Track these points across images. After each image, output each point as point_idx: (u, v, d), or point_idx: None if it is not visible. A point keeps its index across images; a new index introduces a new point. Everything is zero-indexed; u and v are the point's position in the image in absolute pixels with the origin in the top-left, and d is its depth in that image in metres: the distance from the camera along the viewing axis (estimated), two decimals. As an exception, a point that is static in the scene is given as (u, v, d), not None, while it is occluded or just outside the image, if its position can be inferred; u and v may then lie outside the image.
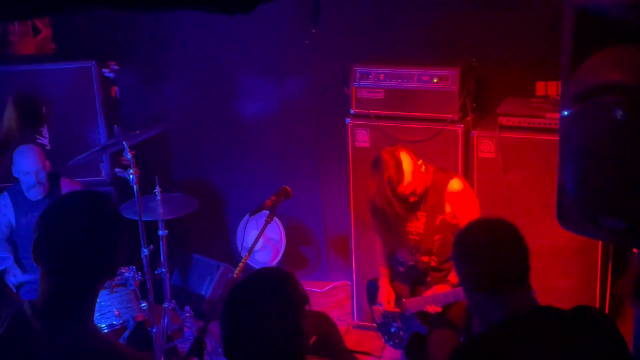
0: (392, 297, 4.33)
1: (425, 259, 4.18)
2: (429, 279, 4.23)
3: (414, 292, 4.27)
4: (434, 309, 4.06)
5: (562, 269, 4.58)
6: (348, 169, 5.13)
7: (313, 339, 2.29)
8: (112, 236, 2.16)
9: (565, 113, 2.57)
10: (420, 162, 4.05)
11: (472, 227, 2.66)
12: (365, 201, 4.36)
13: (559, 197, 2.69)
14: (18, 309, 2.13)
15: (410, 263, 4.25)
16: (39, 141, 5.42)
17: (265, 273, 2.35)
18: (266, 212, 3.68)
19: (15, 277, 4.73)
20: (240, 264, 3.49)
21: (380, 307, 4.37)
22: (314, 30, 3.85)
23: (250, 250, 3.51)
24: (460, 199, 4.10)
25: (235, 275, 3.50)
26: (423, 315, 4.19)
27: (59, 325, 2.10)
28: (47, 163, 4.83)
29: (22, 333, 2.09)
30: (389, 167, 3.92)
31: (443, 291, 4.04)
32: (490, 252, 2.47)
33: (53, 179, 4.90)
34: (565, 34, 2.53)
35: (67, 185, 4.94)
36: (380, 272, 4.42)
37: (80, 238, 2.10)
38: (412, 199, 4.04)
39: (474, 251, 2.51)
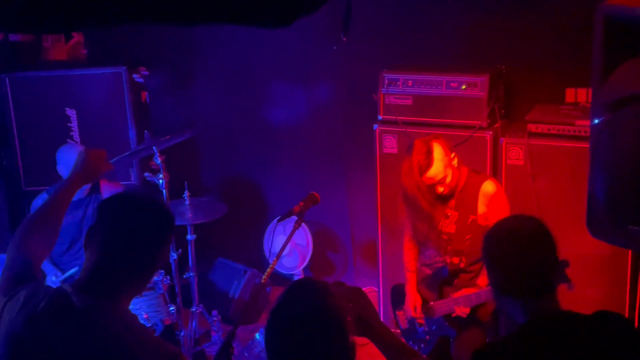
0: (419, 303, 4.32)
1: (455, 260, 4.20)
2: (456, 281, 4.23)
3: (441, 295, 4.26)
4: (462, 310, 4.05)
5: (591, 278, 4.54)
6: (375, 175, 5.13)
7: (349, 319, 2.28)
8: (161, 236, 2.31)
9: (596, 121, 2.56)
10: (453, 155, 4.08)
11: (503, 228, 2.62)
12: (393, 203, 4.39)
13: (589, 205, 2.68)
14: (59, 287, 2.27)
15: (438, 265, 4.26)
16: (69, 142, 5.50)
17: (305, 289, 2.34)
18: (294, 217, 3.69)
19: (56, 277, 4.77)
20: (268, 270, 3.50)
21: (405, 313, 4.37)
22: (344, 39, 3.84)
23: (278, 256, 3.53)
24: (493, 200, 4.12)
25: (263, 281, 3.51)
26: (450, 317, 4.18)
27: (97, 302, 2.20)
28: None
29: (62, 307, 2.20)
30: (420, 153, 3.99)
31: (472, 292, 4.04)
32: (519, 258, 2.45)
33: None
34: (596, 42, 2.52)
35: (106, 187, 5.01)
36: (407, 278, 4.42)
37: (134, 230, 2.24)
38: (440, 190, 4.06)
39: (502, 255, 2.50)
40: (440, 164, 3.99)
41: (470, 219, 4.14)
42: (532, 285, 2.42)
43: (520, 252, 2.46)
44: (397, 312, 4.49)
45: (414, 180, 4.00)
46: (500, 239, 2.55)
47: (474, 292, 4.03)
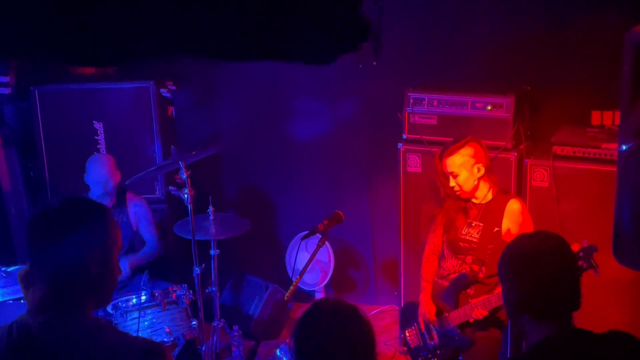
0: (433, 309, 4.34)
1: (475, 267, 4.22)
2: (472, 292, 4.23)
3: (457, 305, 4.27)
4: (480, 312, 4.06)
5: (615, 301, 4.51)
6: (399, 193, 5.14)
7: None
8: (83, 238, 2.30)
9: (624, 148, 2.56)
10: (480, 164, 4.18)
11: (523, 245, 2.60)
12: (416, 222, 4.47)
13: (615, 232, 2.67)
14: (15, 320, 2.29)
15: (454, 275, 4.27)
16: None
17: (335, 311, 2.35)
18: (318, 235, 3.71)
19: None
20: (291, 288, 3.52)
21: (421, 317, 4.38)
22: (375, 63, 3.86)
23: (302, 274, 3.55)
24: (518, 217, 4.20)
25: (285, 299, 3.53)
26: (464, 326, 4.19)
27: (55, 318, 2.23)
28: (118, 174, 4.96)
29: (23, 336, 2.22)
30: (452, 142, 4.22)
31: (492, 295, 4.06)
32: (538, 278, 2.44)
33: (120, 191, 5.03)
34: (625, 69, 2.52)
35: (132, 200, 5.07)
36: (422, 287, 4.46)
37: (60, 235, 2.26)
38: (451, 184, 4.18)
39: (521, 273, 2.49)
40: (459, 159, 4.15)
41: (495, 229, 4.20)
42: (550, 306, 2.42)
43: (539, 272, 2.45)
44: (406, 331, 4.53)
45: (437, 165, 4.27)
46: (519, 256, 2.53)
47: (496, 293, 4.08)
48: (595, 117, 4.84)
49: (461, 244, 4.26)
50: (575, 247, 3.60)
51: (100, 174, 4.87)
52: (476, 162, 4.17)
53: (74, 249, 2.27)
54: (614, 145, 4.33)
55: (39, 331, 2.21)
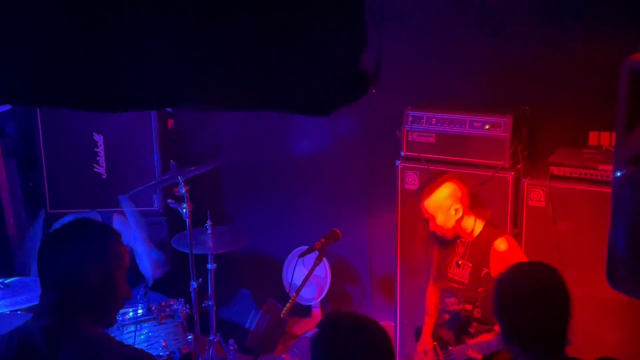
0: (430, 348, 4.34)
1: (468, 307, 4.18)
2: (472, 330, 4.21)
3: (459, 341, 4.27)
4: (475, 355, 4.04)
5: (612, 323, 4.52)
6: (396, 210, 5.16)
7: None
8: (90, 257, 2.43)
9: (618, 174, 2.58)
10: (457, 205, 4.09)
11: (516, 278, 2.62)
12: (413, 239, 4.46)
13: (609, 257, 2.69)
14: (17, 327, 2.42)
15: (454, 309, 4.26)
16: (96, 170, 5.57)
17: (358, 324, 2.36)
18: (316, 253, 3.74)
19: None
20: (288, 305, 3.54)
21: (416, 354, 4.40)
22: (374, 91, 3.87)
23: (298, 291, 3.57)
24: (503, 259, 4.00)
25: (282, 315, 3.55)
26: None
27: (55, 326, 2.35)
28: None
29: (22, 342, 2.34)
30: (426, 184, 4.14)
31: (487, 339, 4.02)
32: (532, 311, 2.46)
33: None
34: (621, 96, 2.55)
35: (118, 222, 5.05)
36: (425, 321, 4.46)
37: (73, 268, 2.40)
38: (430, 227, 4.11)
39: (515, 306, 2.51)
40: (437, 201, 4.06)
41: (483, 272, 4.12)
42: (544, 339, 2.44)
43: (533, 305, 2.46)
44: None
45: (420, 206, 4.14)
46: (513, 289, 2.56)
47: (488, 339, 4.00)
48: (593, 137, 4.87)
49: (451, 284, 4.24)
50: None
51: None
52: (453, 203, 4.07)
53: (77, 265, 2.40)
54: (611, 167, 4.35)
55: (39, 337, 2.29)
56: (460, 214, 4.09)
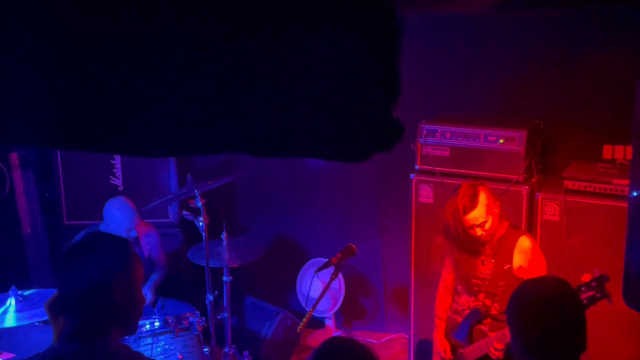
0: (448, 346, 4.36)
1: (488, 302, 4.22)
2: (486, 328, 4.24)
3: (471, 341, 4.28)
4: (496, 346, 4.05)
5: (624, 336, 4.52)
6: (410, 223, 5.18)
7: None
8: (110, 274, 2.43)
9: (635, 194, 2.60)
10: (497, 203, 4.15)
11: (533, 293, 2.65)
12: (427, 252, 4.45)
13: (625, 275, 2.71)
14: (47, 349, 2.42)
15: (468, 310, 4.29)
16: (112, 182, 5.63)
17: (349, 350, 2.39)
18: (332, 268, 3.77)
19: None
20: (304, 319, 3.57)
21: (434, 357, 4.40)
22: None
23: (314, 306, 3.59)
24: (529, 254, 4.16)
25: (298, 330, 3.57)
26: None
27: (87, 347, 2.36)
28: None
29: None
30: (466, 194, 4.08)
31: (503, 330, 4.06)
32: (549, 325, 2.48)
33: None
34: (637, 115, 2.57)
35: (144, 231, 5.10)
36: (436, 325, 4.46)
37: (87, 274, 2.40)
38: (478, 233, 4.11)
39: (531, 320, 2.53)
40: (483, 208, 4.07)
41: (506, 266, 4.19)
42: (559, 352, 2.46)
43: (544, 318, 2.49)
44: None
45: (457, 220, 4.09)
46: (529, 303, 2.58)
47: (504, 329, 4.05)
48: (607, 151, 4.88)
49: (473, 280, 4.27)
50: (586, 277, 3.65)
51: (131, 223, 4.88)
52: (495, 207, 4.15)
53: (100, 282, 2.39)
54: (625, 182, 4.37)
55: (71, 358, 2.31)
56: (499, 208, 4.18)
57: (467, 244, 4.16)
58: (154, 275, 5.12)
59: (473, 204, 4.06)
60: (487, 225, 4.12)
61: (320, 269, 3.81)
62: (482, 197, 4.09)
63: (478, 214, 4.07)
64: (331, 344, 2.44)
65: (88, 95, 1.36)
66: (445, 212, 4.20)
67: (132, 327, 2.54)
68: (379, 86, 1.22)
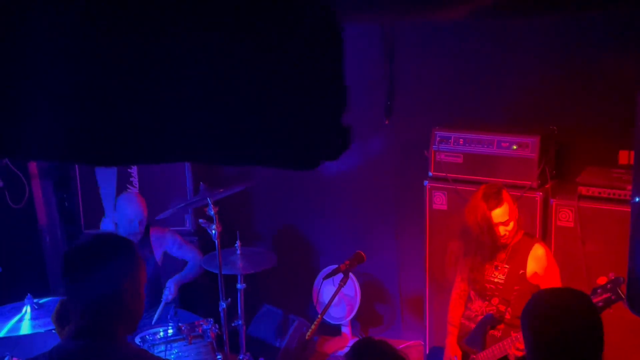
0: (459, 353, 4.35)
1: (502, 307, 4.22)
2: (499, 334, 4.23)
3: (484, 347, 4.27)
4: (517, 346, 4.03)
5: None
6: (425, 230, 5.18)
7: None
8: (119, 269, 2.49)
9: (637, 200, 2.59)
10: (515, 207, 4.20)
11: (551, 306, 2.63)
12: (442, 259, 4.45)
13: (629, 281, 2.69)
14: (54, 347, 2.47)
15: (481, 316, 4.28)
16: (130, 191, 5.68)
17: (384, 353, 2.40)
18: (341, 275, 3.79)
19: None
20: (313, 326, 3.58)
21: None
22: (387, 122, 3.97)
23: (323, 312, 3.61)
24: (543, 261, 4.20)
25: (307, 337, 3.59)
26: None
27: (93, 344, 2.41)
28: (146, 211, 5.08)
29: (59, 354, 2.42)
30: (491, 191, 4.12)
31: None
32: (568, 339, 2.46)
33: (146, 228, 5.14)
34: (638, 123, 2.56)
35: (155, 233, 5.16)
36: (449, 331, 4.47)
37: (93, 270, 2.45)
38: (502, 232, 4.13)
39: (549, 334, 2.51)
40: (507, 207, 4.12)
41: (520, 272, 4.20)
42: None
43: (565, 329, 2.47)
44: None
45: (481, 216, 4.11)
46: (544, 313, 2.56)
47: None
48: (623, 156, 4.85)
49: (487, 285, 4.27)
50: (602, 280, 3.64)
51: (139, 211, 4.96)
52: (514, 204, 4.20)
53: (108, 282, 2.45)
54: (640, 187, 4.34)
55: (80, 355, 2.34)
56: (517, 213, 4.22)
57: (488, 244, 4.17)
58: (181, 272, 5.18)
59: (499, 201, 4.10)
60: (510, 227, 4.14)
61: (328, 275, 3.83)
62: (507, 196, 4.14)
63: (504, 212, 4.11)
64: (365, 345, 2.44)
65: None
66: (467, 211, 4.22)
67: (134, 327, 2.61)
68: (325, 94, 1.24)
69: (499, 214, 4.10)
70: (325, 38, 1.14)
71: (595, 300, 3.66)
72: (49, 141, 1.44)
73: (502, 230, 4.14)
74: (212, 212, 4.56)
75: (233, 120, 1.21)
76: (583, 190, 4.61)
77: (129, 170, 5.74)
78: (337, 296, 5.59)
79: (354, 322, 6.04)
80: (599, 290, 3.66)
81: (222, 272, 4.67)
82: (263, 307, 5.99)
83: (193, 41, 1.15)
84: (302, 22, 1.12)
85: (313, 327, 3.60)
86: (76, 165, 5.75)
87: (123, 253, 2.53)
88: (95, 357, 2.41)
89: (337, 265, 4.21)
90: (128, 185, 5.69)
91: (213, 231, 4.58)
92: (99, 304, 2.44)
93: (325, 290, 5.29)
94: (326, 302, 5.60)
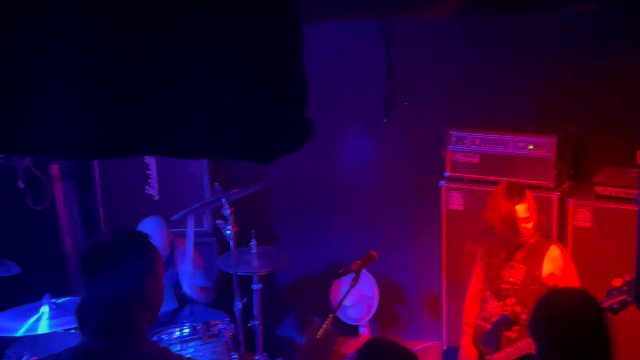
0: (475, 353, 4.34)
1: (517, 309, 4.20)
2: (514, 335, 4.21)
3: (499, 348, 4.25)
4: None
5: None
6: (441, 231, 5.17)
7: None
8: (138, 265, 2.50)
9: (643, 199, 2.57)
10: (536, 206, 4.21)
11: (554, 305, 2.63)
12: (458, 259, 4.43)
13: (637, 279, 2.67)
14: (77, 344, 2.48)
15: (497, 317, 4.26)
16: (148, 192, 5.73)
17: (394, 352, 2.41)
18: (352, 275, 3.80)
19: None
20: (324, 325, 3.60)
21: None
22: (385, 121, 3.97)
23: (334, 312, 3.61)
24: (559, 262, 4.20)
25: (318, 336, 3.60)
26: None
27: (116, 341, 2.42)
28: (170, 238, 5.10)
29: (88, 357, 2.43)
30: (514, 187, 4.15)
31: None
32: (581, 342, 2.46)
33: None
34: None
35: (178, 247, 5.17)
36: (464, 331, 4.46)
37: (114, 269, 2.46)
38: (524, 228, 4.12)
39: (550, 332, 2.51)
40: (530, 204, 4.14)
41: (536, 272, 4.20)
42: None
43: (574, 331, 2.47)
44: None
45: (506, 211, 4.12)
46: (552, 314, 2.56)
47: None
48: (641, 156, 4.80)
49: (503, 285, 4.26)
50: (618, 282, 3.62)
51: (158, 242, 4.97)
52: (535, 204, 4.20)
53: (129, 278, 2.46)
54: (657, 187, 4.30)
55: (104, 353, 2.38)
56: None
57: (512, 239, 4.15)
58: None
59: (522, 197, 4.11)
60: (530, 225, 4.14)
61: (339, 275, 3.84)
62: (529, 194, 4.17)
63: (527, 208, 4.12)
64: (374, 345, 2.45)
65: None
66: (489, 208, 4.22)
67: (155, 316, 2.61)
68: (284, 87, 1.25)
69: (522, 209, 4.12)
70: (284, 33, 1.16)
71: (610, 302, 3.64)
72: (66, 137, 1.46)
73: (523, 227, 4.15)
74: (227, 212, 4.59)
75: (193, 113, 1.22)
76: (600, 190, 4.58)
77: (147, 171, 5.79)
78: (355, 297, 5.63)
79: (372, 322, 6.04)
80: (614, 292, 3.64)
81: (238, 272, 4.70)
82: (281, 307, 6.01)
83: (151, 36, 1.18)
84: (260, 17, 1.14)
85: (324, 326, 3.62)
86: (96, 168, 5.81)
87: (141, 247, 2.54)
88: (119, 355, 2.42)
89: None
90: (146, 187, 5.73)
91: (228, 231, 4.60)
92: (121, 300, 2.45)
93: (344, 290, 5.28)
94: (344, 302, 5.63)
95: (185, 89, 1.19)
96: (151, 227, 4.98)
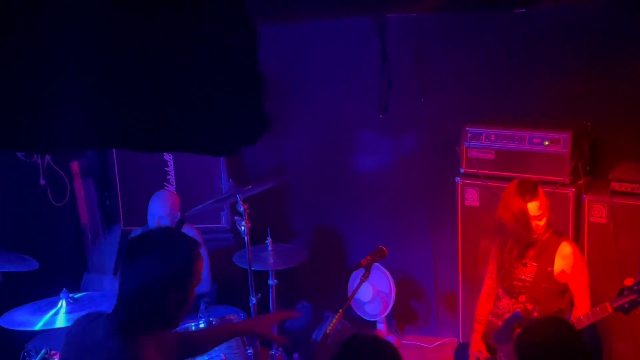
0: (484, 347, 4.34)
1: (529, 306, 4.20)
2: None
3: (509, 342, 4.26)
4: None
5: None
6: (457, 227, 5.16)
7: None
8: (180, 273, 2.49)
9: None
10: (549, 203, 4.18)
11: (535, 337, 2.78)
12: (474, 255, 4.40)
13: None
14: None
15: (508, 314, 4.26)
16: (166, 188, 5.79)
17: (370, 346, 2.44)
18: (372, 268, 3.84)
19: None
20: (334, 320, 3.61)
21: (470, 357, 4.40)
22: (381, 116, 3.97)
23: (345, 307, 3.63)
24: (570, 259, 4.15)
25: (327, 331, 3.62)
26: None
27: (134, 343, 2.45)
28: (178, 214, 5.14)
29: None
30: (527, 185, 4.11)
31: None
32: None
33: (177, 224, 5.21)
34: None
35: (188, 232, 5.23)
36: (475, 328, 4.47)
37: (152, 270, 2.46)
38: (536, 225, 4.09)
39: None
40: (542, 202, 4.10)
41: (548, 269, 4.18)
42: None
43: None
44: None
45: (517, 208, 4.09)
46: (535, 347, 2.71)
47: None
48: (658, 152, 4.77)
49: (515, 282, 4.25)
50: (629, 281, 3.61)
51: (159, 208, 5.04)
52: (548, 202, 4.17)
53: (153, 276, 2.45)
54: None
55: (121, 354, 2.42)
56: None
57: (524, 237, 4.14)
58: None
59: (534, 195, 4.09)
60: (542, 222, 4.11)
61: (351, 270, 3.86)
62: (541, 192, 4.14)
63: (539, 205, 4.09)
64: (357, 339, 2.47)
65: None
66: (501, 206, 4.20)
67: (175, 326, 2.62)
68: (239, 82, 1.27)
69: (534, 207, 4.09)
70: (239, 30, 1.18)
71: (621, 301, 3.64)
72: (81, 130, 1.48)
73: (535, 224, 4.12)
74: (241, 208, 4.62)
75: (151, 108, 1.24)
76: (616, 186, 4.55)
77: (166, 168, 5.85)
78: (372, 293, 5.64)
79: (389, 319, 6.04)
80: (625, 292, 3.63)
81: (253, 268, 4.73)
82: (299, 303, 6.04)
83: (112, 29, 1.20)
84: (217, 15, 1.16)
85: (334, 322, 3.63)
86: (115, 165, 5.89)
87: (181, 250, 2.51)
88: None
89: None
90: (165, 183, 5.79)
91: (242, 227, 4.64)
92: (141, 296, 2.46)
93: (362, 286, 5.30)
94: (361, 298, 5.65)
95: (144, 84, 1.22)
96: (154, 197, 5.04)
